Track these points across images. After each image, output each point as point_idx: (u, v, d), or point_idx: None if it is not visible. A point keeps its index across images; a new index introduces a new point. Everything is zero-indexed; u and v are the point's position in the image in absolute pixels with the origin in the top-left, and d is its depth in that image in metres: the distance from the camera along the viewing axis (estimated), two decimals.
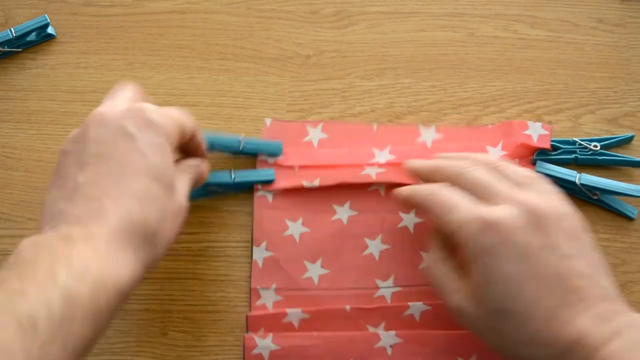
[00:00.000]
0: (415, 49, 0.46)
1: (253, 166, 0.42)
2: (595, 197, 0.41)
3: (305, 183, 0.41)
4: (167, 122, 0.33)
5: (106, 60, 0.46)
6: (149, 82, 0.45)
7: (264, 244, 0.41)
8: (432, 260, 0.36)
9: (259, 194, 0.42)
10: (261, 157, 0.42)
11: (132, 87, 0.36)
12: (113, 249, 0.28)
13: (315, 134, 0.43)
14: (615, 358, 0.28)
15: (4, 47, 0.46)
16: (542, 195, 0.33)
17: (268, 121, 0.44)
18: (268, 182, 0.42)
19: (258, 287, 0.40)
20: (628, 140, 0.43)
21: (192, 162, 0.36)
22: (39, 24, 0.46)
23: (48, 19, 0.46)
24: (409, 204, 0.39)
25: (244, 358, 0.39)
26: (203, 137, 0.38)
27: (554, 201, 0.33)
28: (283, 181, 0.42)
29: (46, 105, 0.45)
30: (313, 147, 0.43)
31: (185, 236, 0.41)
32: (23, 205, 0.43)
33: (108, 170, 0.30)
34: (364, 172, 0.41)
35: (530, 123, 0.42)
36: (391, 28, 0.47)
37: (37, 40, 0.46)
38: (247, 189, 0.42)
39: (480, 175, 0.34)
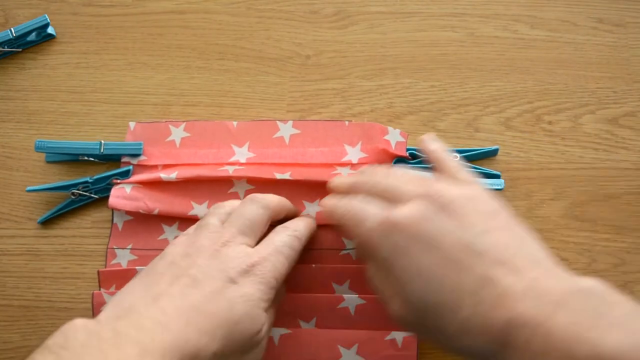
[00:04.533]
0: (415, 49, 0.46)
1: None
2: None
3: (163, 175, 0.41)
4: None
5: (106, 60, 0.46)
6: (149, 82, 0.45)
7: (123, 211, 0.42)
8: (370, 273, 0.34)
9: (117, 187, 0.42)
10: (124, 159, 0.43)
11: (260, 219, 0.36)
12: None
13: (177, 133, 0.43)
14: (561, 333, 0.25)
15: (3, 47, 0.46)
16: (450, 183, 0.32)
17: (132, 125, 0.44)
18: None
19: (114, 247, 0.41)
20: (493, 153, 0.43)
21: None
22: (39, 24, 0.46)
23: (48, 19, 0.46)
24: (332, 219, 0.37)
25: (93, 313, 0.39)
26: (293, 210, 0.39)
27: (463, 185, 0.32)
28: (142, 176, 0.42)
29: (46, 105, 0.45)
30: (175, 147, 0.43)
31: None
32: (23, 205, 0.43)
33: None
34: (222, 169, 0.42)
35: (390, 129, 0.42)
36: (391, 28, 0.47)
37: (37, 40, 0.46)
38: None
39: (389, 181, 0.34)
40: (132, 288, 0.32)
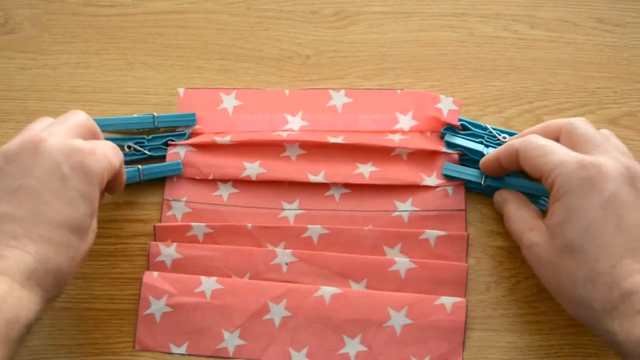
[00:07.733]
0: (415, 49, 0.46)
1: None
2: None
3: (217, 138, 0.42)
4: (101, 169, 0.34)
5: (106, 60, 0.46)
6: (149, 82, 0.45)
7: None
8: (513, 206, 0.38)
9: (172, 151, 0.43)
10: (178, 130, 0.43)
11: (83, 118, 0.36)
12: (27, 286, 0.31)
13: (229, 101, 0.44)
14: None
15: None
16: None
17: (181, 91, 0.44)
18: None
19: (170, 198, 0.42)
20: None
21: None
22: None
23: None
24: (508, 153, 0.38)
25: (148, 265, 0.40)
26: (124, 171, 0.39)
27: None
28: (197, 139, 0.43)
29: (46, 105, 0.45)
30: (228, 115, 0.44)
31: None
32: None
33: (34, 209, 0.32)
34: (276, 133, 0.42)
35: (442, 97, 0.43)
36: (391, 28, 0.47)
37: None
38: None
39: (588, 131, 0.35)
40: None
